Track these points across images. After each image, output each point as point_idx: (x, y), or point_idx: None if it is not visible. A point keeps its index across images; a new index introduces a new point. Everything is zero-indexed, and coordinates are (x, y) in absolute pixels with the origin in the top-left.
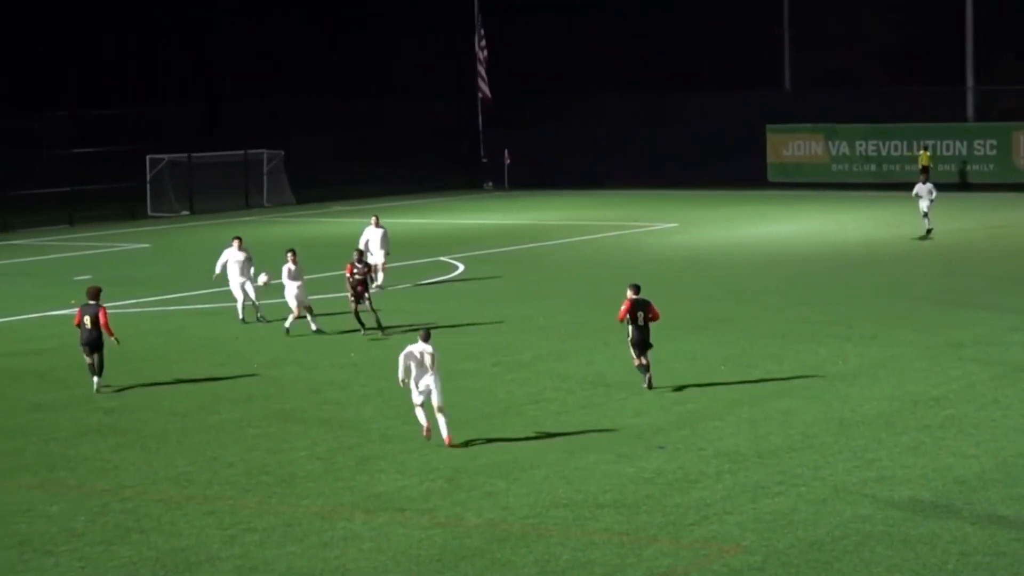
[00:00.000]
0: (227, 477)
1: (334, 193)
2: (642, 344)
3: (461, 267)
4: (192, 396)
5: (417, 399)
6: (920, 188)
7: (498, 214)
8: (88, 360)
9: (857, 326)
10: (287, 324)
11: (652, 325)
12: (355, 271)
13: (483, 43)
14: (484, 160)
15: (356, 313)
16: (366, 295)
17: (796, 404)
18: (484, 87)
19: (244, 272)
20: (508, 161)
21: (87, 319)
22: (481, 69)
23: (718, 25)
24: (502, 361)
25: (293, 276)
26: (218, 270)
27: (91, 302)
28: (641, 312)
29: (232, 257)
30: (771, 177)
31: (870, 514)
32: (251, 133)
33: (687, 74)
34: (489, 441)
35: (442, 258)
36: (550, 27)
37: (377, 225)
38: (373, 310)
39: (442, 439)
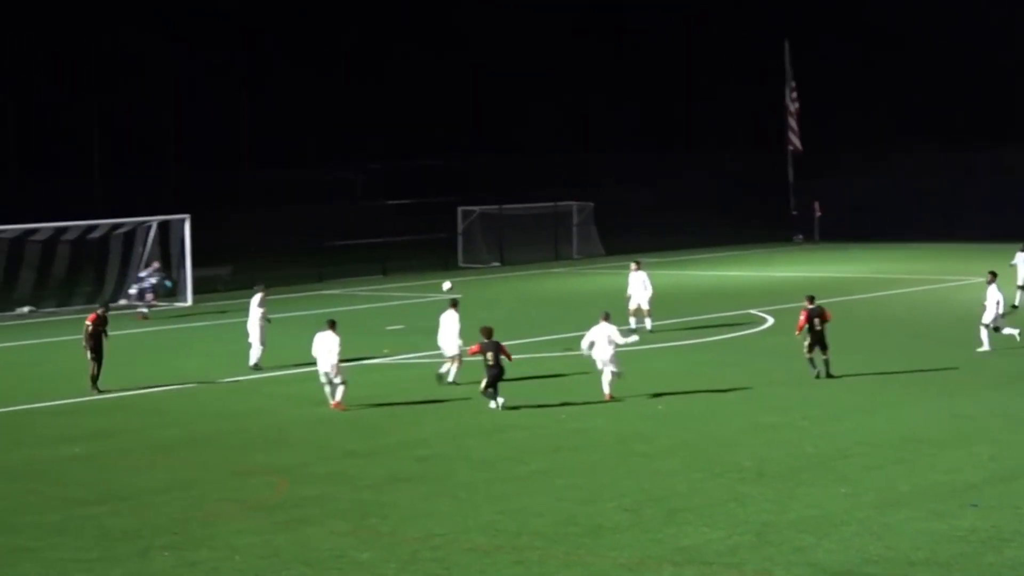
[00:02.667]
0: (535, 527)
1: (643, 245)
2: (821, 343)
3: (770, 320)
4: (501, 446)
5: (600, 366)
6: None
7: (808, 266)
8: (491, 389)
9: None
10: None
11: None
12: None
13: (794, 95)
14: (794, 213)
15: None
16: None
17: None
18: (795, 139)
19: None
20: (818, 213)
21: (489, 355)
22: (792, 121)
23: None
24: (810, 415)
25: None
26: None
27: (487, 340)
28: (817, 318)
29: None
30: None
31: None
32: (560, 185)
33: (996, 127)
34: (797, 495)
35: (752, 310)
36: (859, 79)
37: (638, 269)
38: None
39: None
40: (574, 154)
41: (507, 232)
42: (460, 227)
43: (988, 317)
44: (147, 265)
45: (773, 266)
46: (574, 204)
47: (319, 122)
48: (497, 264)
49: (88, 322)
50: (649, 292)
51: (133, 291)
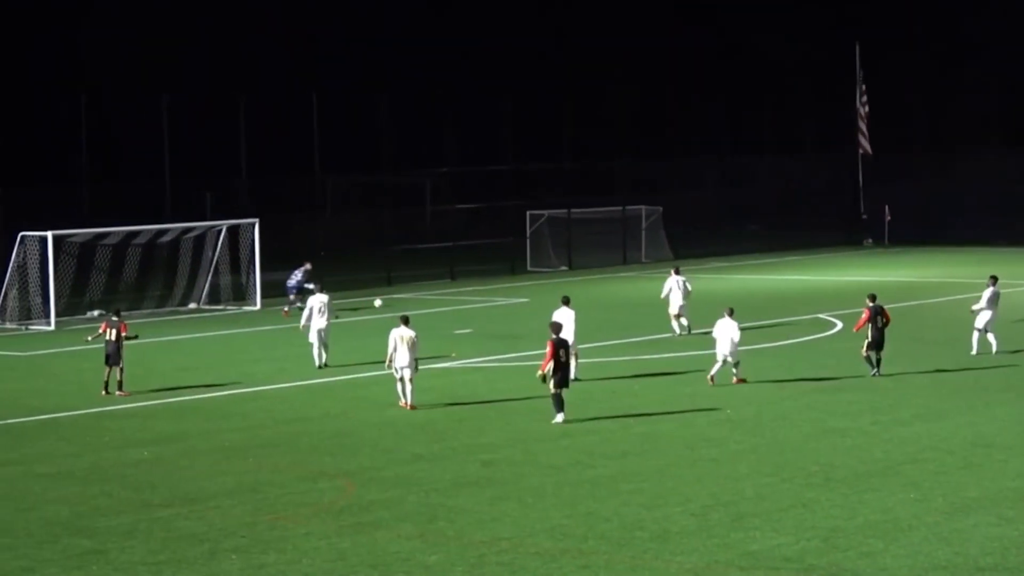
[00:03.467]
0: (602, 531)
1: (712, 249)
2: (879, 343)
3: (839, 324)
4: (568, 450)
5: (720, 358)
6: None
7: (878, 271)
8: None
9: None
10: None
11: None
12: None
13: (864, 98)
14: (863, 216)
15: None
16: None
17: None
18: (865, 142)
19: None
20: (888, 217)
21: (560, 352)
22: (862, 124)
23: None
24: (879, 420)
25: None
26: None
27: (556, 336)
28: (879, 316)
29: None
30: None
31: None
32: (629, 189)
33: None
34: (866, 500)
35: (820, 315)
36: (930, 82)
37: (677, 273)
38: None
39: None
40: (643, 158)
41: (575, 236)
42: (528, 231)
43: (982, 321)
44: (299, 266)
45: (842, 270)
46: (643, 208)
47: (390, 127)
48: (565, 268)
49: (123, 332)
50: (686, 296)
51: (292, 284)
